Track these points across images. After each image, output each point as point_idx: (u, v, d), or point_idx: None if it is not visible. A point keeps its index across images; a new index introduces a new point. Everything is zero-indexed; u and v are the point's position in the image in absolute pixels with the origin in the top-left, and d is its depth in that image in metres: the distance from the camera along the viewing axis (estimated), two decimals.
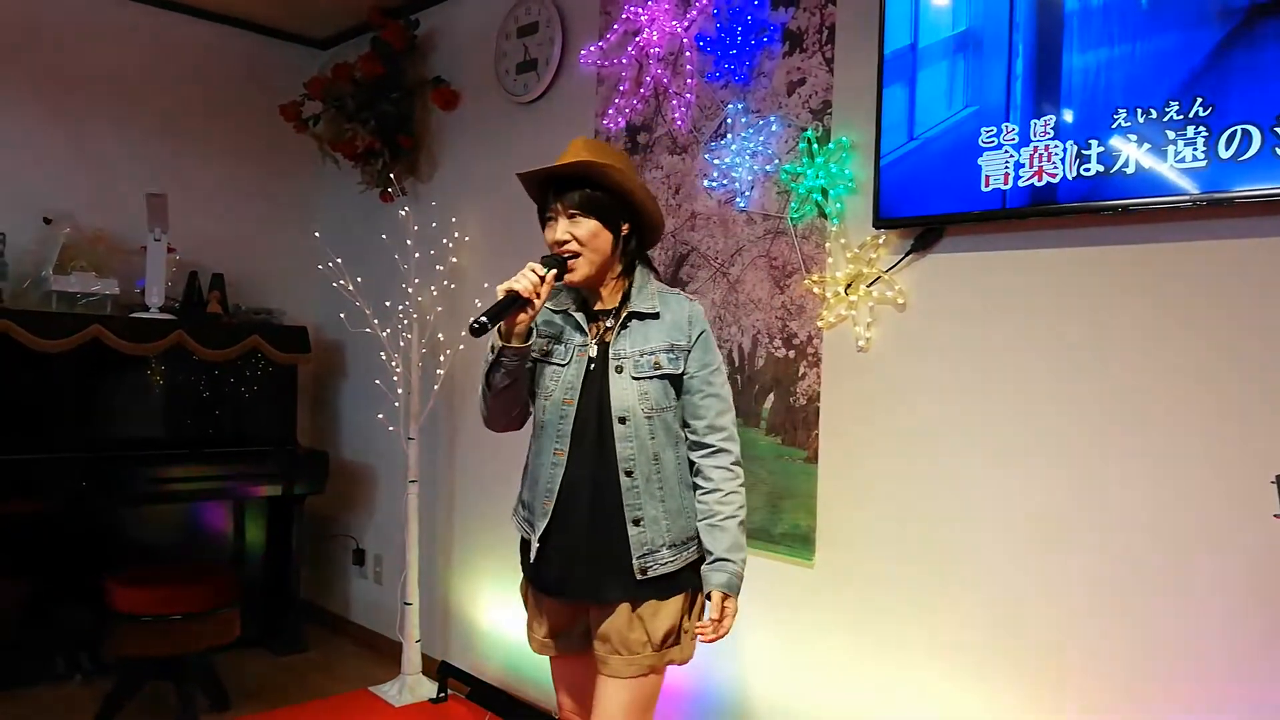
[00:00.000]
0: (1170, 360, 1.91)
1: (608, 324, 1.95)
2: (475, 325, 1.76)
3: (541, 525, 1.93)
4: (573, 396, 1.92)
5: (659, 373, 1.90)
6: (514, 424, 2.05)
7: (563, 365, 1.95)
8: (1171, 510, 1.90)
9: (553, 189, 1.92)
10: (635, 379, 1.89)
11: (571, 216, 1.89)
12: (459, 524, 3.73)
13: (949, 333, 2.25)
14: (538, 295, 1.83)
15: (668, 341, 1.92)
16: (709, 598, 1.91)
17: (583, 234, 1.89)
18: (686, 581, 1.94)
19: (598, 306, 1.98)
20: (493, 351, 1.88)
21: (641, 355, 1.91)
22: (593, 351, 1.93)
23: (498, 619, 3.48)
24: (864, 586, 2.39)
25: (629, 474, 1.88)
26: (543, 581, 1.98)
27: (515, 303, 1.82)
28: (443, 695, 3.48)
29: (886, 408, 2.36)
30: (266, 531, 4.14)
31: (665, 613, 1.91)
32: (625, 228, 1.94)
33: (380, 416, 3.65)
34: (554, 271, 1.86)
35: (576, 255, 1.90)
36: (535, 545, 1.96)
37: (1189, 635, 1.87)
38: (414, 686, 3.49)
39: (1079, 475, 2.03)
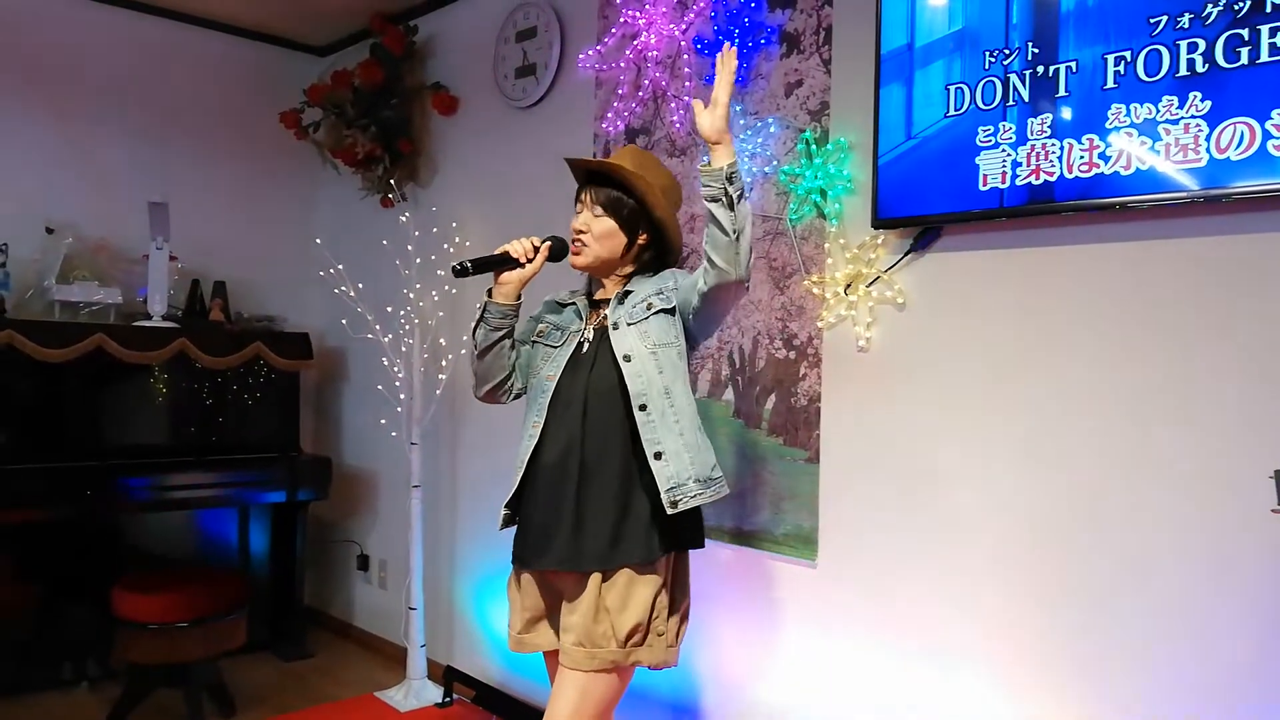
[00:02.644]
0: (1169, 356, 1.91)
1: (605, 312, 2.03)
2: (457, 266, 1.95)
3: (510, 494, 2.02)
4: (555, 373, 2.00)
5: (652, 311, 1.97)
6: (496, 396, 2.14)
7: (555, 347, 2.05)
8: (1170, 507, 1.90)
9: (590, 181, 2.05)
10: (631, 324, 1.97)
11: (596, 214, 2.01)
12: (462, 528, 3.73)
13: (949, 331, 2.26)
14: (529, 260, 2.01)
15: (656, 288, 2.01)
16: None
17: (597, 229, 2.01)
18: (673, 542, 1.94)
19: (600, 296, 2.08)
20: (479, 308, 2.03)
21: (634, 308, 1.98)
22: (588, 335, 2.02)
23: (502, 623, 3.48)
24: (867, 586, 2.39)
25: (643, 408, 1.91)
26: (520, 551, 2.03)
27: (505, 261, 2.00)
28: (448, 699, 3.48)
29: (887, 407, 2.36)
30: (271, 538, 4.15)
31: (633, 606, 1.90)
32: (643, 238, 2.04)
33: (383, 422, 3.66)
34: (549, 244, 2.03)
35: (585, 246, 2.01)
36: (504, 513, 2.04)
37: (1190, 633, 1.87)
38: (419, 691, 3.49)
39: (1080, 473, 2.03)
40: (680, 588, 2.03)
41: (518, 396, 2.14)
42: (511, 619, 2.12)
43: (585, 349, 2.01)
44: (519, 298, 2.04)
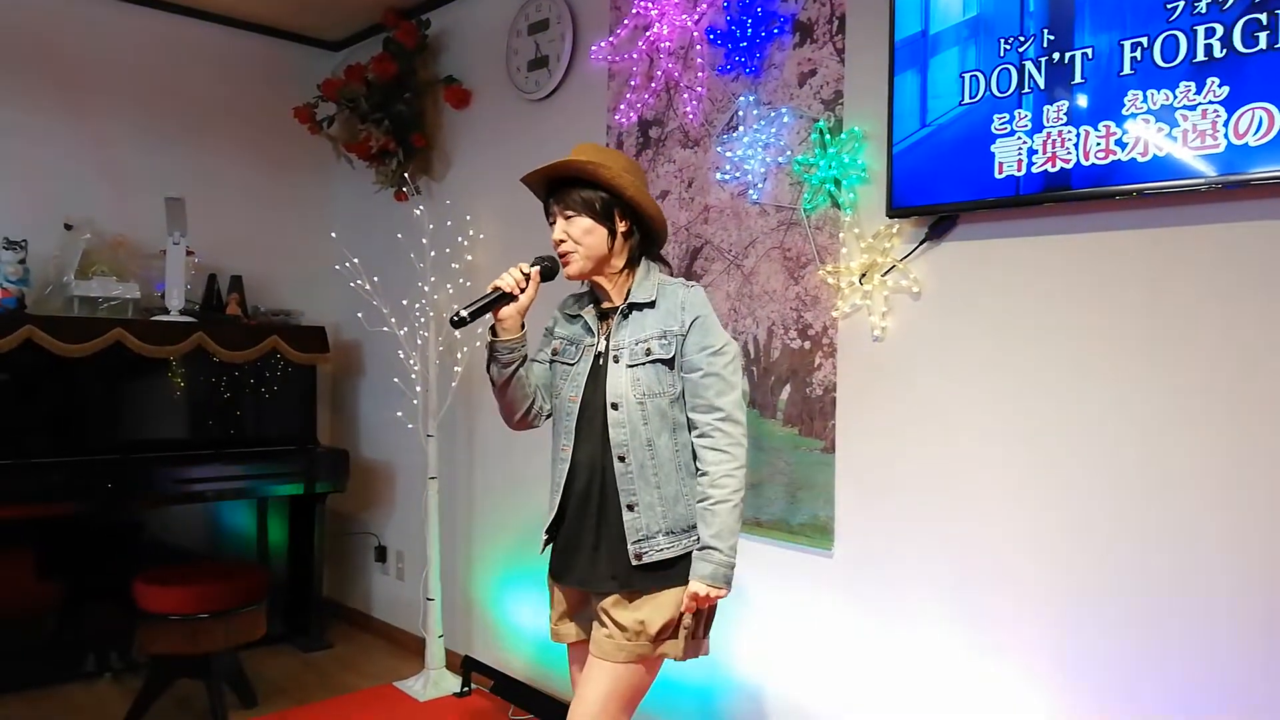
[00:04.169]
0: (1187, 344, 1.90)
1: (614, 321, 2.00)
2: (454, 319, 1.89)
3: (550, 518, 2.02)
4: (577, 393, 1.98)
5: (650, 358, 1.93)
6: (527, 423, 2.10)
7: (573, 364, 2.02)
8: (1187, 496, 1.89)
9: (550, 194, 2.00)
10: (629, 366, 1.94)
11: (568, 217, 1.96)
12: (479, 519, 3.75)
13: (964, 320, 2.25)
14: (521, 290, 1.95)
15: (661, 328, 1.95)
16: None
17: (576, 232, 1.95)
18: (686, 573, 1.93)
19: (606, 305, 2.03)
20: (486, 348, 1.99)
21: (637, 343, 1.95)
22: (600, 347, 1.99)
23: (519, 612, 3.51)
24: (883, 575, 2.39)
25: (622, 459, 1.92)
26: (552, 567, 2.06)
27: (500, 298, 1.94)
28: (466, 689, 3.51)
29: (903, 396, 2.36)
30: (289, 530, 4.18)
31: (662, 604, 1.91)
32: (624, 225, 1.98)
33: (399, 414, 3.68)
34: (539, 268, 1.98)
35: (571, 253, 1.96)
36: (544, 537, 2.04)
37: (1205, 624, 1.87)
38: (438, 681, 3.52)
39: (1095, 462, 2.03)
40: None
41: (549, 417, 2.11)
42: (551, 611, 2.13)
43: (600, 362, 1.98)
44: (523, 327, 1.99)
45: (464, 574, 3.80)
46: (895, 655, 2.37)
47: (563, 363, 2.04)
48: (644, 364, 1.93)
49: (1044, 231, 2.11)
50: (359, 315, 3.80)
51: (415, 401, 3.60)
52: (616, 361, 1.95)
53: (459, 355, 3.59)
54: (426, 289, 3.56)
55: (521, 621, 3.50)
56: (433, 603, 3.53)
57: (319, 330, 4.11)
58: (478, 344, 3.59)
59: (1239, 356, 1.84)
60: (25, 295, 3.51)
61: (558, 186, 1.98)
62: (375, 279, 3.58)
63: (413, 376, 3.60)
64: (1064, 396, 2.08)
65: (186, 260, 3.76)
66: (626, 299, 1.99)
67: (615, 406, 1.92)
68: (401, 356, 3.62)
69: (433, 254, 3.56)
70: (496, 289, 1.94)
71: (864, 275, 2.42)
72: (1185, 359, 1.91)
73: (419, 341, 3.58)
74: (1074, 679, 2.05)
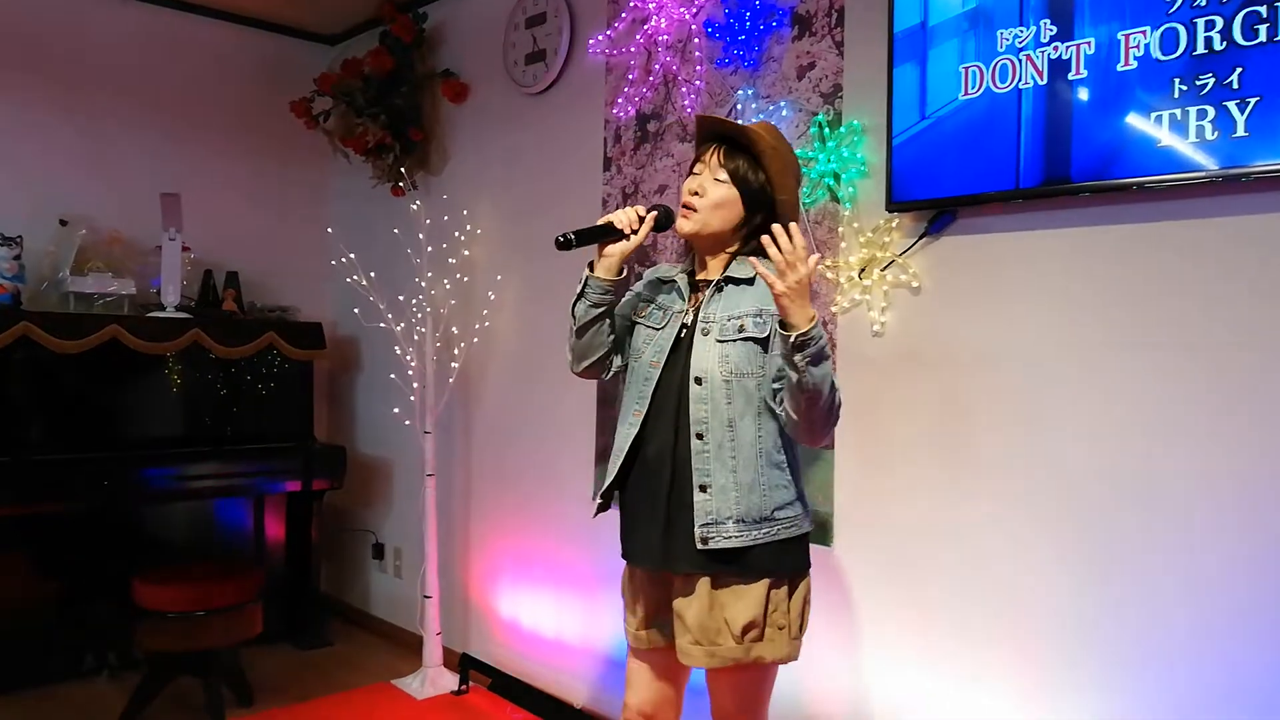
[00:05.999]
0: (1188, 338, 1.89)
1: (706, 293, 1.92)
2: (561, 239, 1.84)
3: (606, 483, 1.95)
4: (659, 359, 1.89)
5: (743, 335, 1.83)
6: (594, 372, 2.05)
7: (658, 329, 1.95)
8: (1188, 493, 1.89)
9: (719, 145, 1.92)
10: (719, 342, 1.83)
11: (718, 179, 1.89)
12: (477, 516, 3.74)
13: (964, 315, 2.24)
14: (634, 231, 1.90)
15: (757, 307, 1.84)
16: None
17: (714, 196, 1.88)
18: (771, 568, 1.83)
19: (701, 277, 1.96)
20: (581, 281, 1.94)
21: (729, 319, 1.85)
22: (688, 318, 1.91)
23: (517, 610, 3.50)
24: (883, 571, 2.39)
25: (700, 437, 1.81)
26: (627, 549, 1.97)
27: (609, 232, 1.90)
28: (464, 687, 3.50)
29: (902, 391, 2.35)
30: (286, 527, 4.16)
31: (746, 601, 1.81)
32: (759, 218, 1.89)
33: (396, 411, 3.66)
34: (655, 214, 1.93)
35: (694, 212, 1.89)
36: (597, 502, 1.99)
37: (1204, 625, 1.86)
38: (435, 679, 3.51)
39: (1096, 456, 2.02)
40: (799, 573, 1.92)
41: (617, 373, 2.05)
42: (628, 615, 2.02)
43: (685, 333, 1.90)
44: (621, 272, 1.93)
45: (461, 571, 3.79)
46: (895, 651, 2.36)
47: (647, 326, 1.96)
48: (735, 340, 1.82)
49: (1044, 225, 2.10)
50: (356, 311, 3.78)
51: (412, 398, 3.59)
52: (705, 335, 1.85)
53: (456, 351, 3.57)
54: (424, 284, 3.55)
55: (519, 619, 3.49)
56: (430, 600, 3.52)
57: (315, 326, 4.09)
58: (475, 340, 3.58)
59: (1239, 350, 1.83)
60: (20, 291, 3.49)
61: (729, 144, 1.91)
62: (372, 274, 3.57)
63: (410, 373, 3.58)
64: (1064, 390, 2.07)
65: (182, 256, 3.74)
66: (724, 272, 1.90)
67: (699, 381, 1.82)
68: (398, 352, 3.60)
69: (430, 249, 3.55)
70: (608, 223, 1.89)
71: (863, 270, 2.41)
72: (1185, 352, 1.90)
73: (416, 337, 3.57)
74: (1077, 677, 2.04)
